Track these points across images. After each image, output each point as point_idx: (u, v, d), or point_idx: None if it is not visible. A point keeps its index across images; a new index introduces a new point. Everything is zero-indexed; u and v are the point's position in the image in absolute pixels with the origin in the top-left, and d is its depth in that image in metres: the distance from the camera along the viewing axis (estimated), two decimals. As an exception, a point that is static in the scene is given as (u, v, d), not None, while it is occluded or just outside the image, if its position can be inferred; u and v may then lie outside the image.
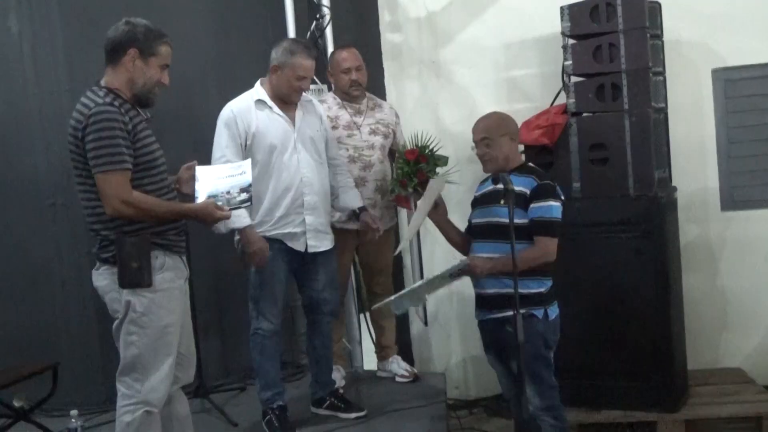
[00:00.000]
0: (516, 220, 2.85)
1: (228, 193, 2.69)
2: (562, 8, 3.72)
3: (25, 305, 4.10)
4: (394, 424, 3.44)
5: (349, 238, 3.78)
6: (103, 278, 2.67)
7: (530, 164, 3.08)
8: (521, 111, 3.98)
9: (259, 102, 3.32)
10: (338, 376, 3.84)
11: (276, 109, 3.32)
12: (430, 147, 3.59)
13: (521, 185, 2.92)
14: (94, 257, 2.69)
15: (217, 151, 3.27)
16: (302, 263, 3.41)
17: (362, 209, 3.56)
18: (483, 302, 3.05)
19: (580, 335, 3.65)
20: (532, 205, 2.90)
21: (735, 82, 4.12)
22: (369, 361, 4.28)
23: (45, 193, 4.08)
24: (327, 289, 3.47)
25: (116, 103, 2.58)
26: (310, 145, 3.37)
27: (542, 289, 2.95)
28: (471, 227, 3.13)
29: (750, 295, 4.15)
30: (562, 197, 2.99)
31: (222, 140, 3.27)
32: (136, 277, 2.57)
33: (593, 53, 3.65)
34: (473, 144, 3.07)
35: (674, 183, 3.99)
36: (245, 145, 3.28)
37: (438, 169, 3.62)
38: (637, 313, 3.58)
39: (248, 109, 3.31)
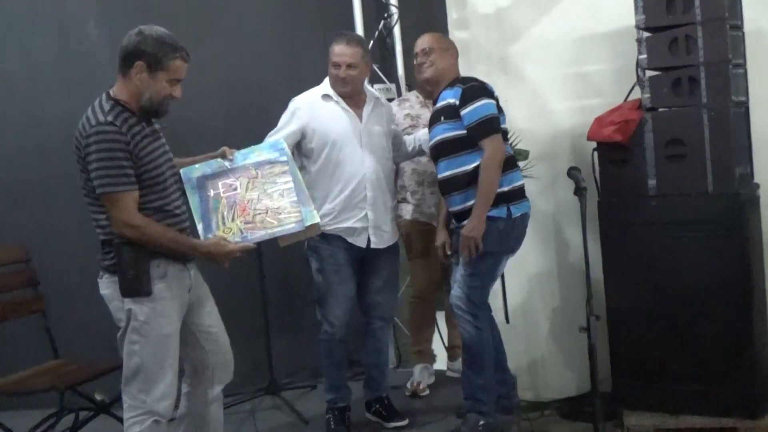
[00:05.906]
0: (455, 132, 3.01)
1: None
2: (636, 0, 3.61)
3: (102, 302, 4.23)
4: (464, 425, 3.40)
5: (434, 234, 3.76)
6: (105, 287, 2.66)
7: (463, 76, 3.18)
8: (593, 107, 3.89)
9: (326, 96, 3.33)
10: (426, 374, 3.87)
11: (342, 103, 3.31)
12: (510, 141, 3.53)
13: (450, 97, 3.04)
14: (97, 266, 2.68)
15: (270, 135, 3.27)
16: (363, 262, 3.36)
17: None
18: (453, 215, 3.23)
19: (658, 338, 3.56)
20: (463, 112, 2.96)
21: (821, 74, 3.92)
22: (439, 360, 4.26)
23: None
24: (383, 291, 3.42)
25: (118, 121, 2.52)
26: (377, 141, 3.35)
27: (504, 188, 2.99)
28: (430, 148, 3.27)
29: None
30: (494, 93, 3.04)
31: (278, 125, 3.31)
32: (134, 286, 2.55)
33: (669, 46, 3.52)
34: (415, 53, 3.23)
35: (756, 179, 3.82)
36: (301, 138, 3.28)
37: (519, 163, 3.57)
38: (717, 314, 3.46)
39: (312, 102, 3.32)
